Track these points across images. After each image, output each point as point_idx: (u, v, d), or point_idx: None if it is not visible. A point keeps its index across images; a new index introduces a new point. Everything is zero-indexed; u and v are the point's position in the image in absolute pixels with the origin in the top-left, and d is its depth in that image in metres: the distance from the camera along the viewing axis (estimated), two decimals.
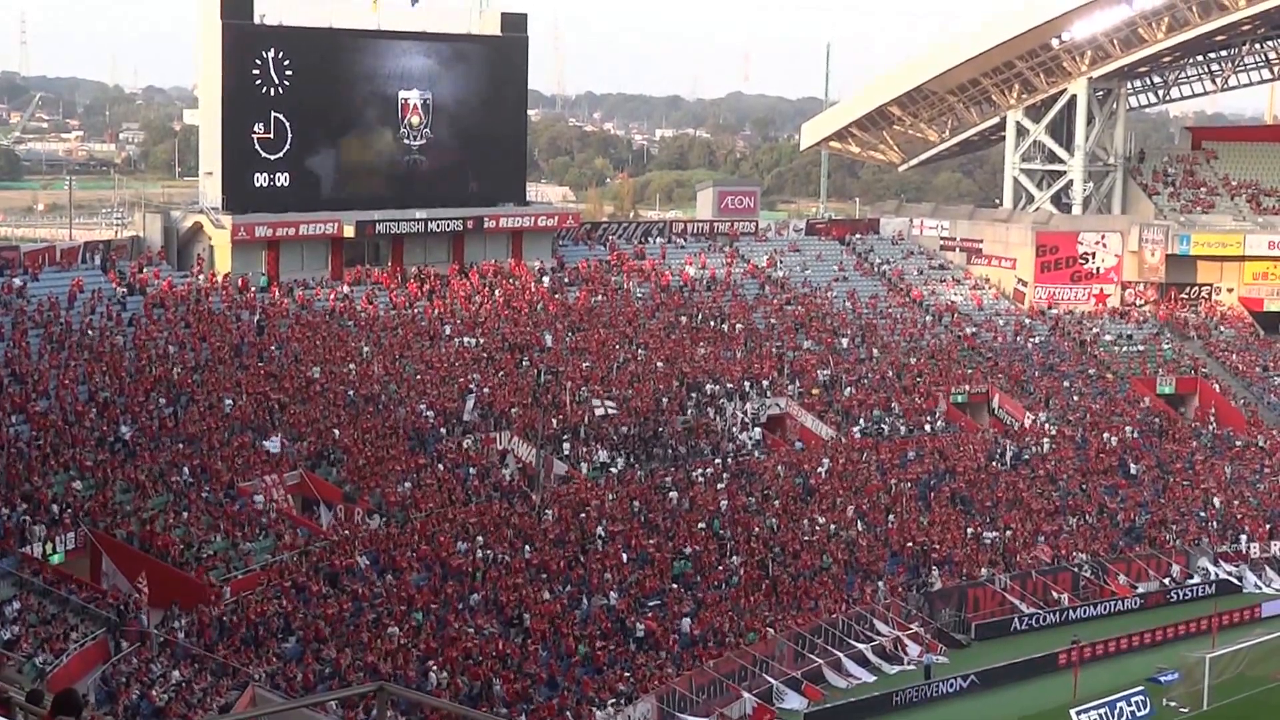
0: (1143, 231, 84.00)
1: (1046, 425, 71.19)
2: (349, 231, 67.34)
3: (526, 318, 68.57)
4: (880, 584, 56.00)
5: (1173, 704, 50.47)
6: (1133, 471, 68.52)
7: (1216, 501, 66.94)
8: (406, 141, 69.87)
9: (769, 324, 74.08)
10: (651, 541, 53.50)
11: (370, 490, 52.30)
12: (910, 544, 58.59)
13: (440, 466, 55.25)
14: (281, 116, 65.58)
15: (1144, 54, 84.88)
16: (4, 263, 59.07)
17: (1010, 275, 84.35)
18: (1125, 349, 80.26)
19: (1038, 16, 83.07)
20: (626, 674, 45.88)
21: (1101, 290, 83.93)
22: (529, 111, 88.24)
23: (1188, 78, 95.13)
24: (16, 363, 52.47)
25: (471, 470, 55.70)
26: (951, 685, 51.30)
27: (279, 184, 66.04)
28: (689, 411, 63.91)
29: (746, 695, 47.91)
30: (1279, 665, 53.27)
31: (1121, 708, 48.25)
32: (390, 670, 41.56)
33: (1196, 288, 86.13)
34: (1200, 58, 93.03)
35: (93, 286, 60.11)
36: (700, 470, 59.83)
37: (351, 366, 60.04)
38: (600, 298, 72.32)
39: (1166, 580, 62.17)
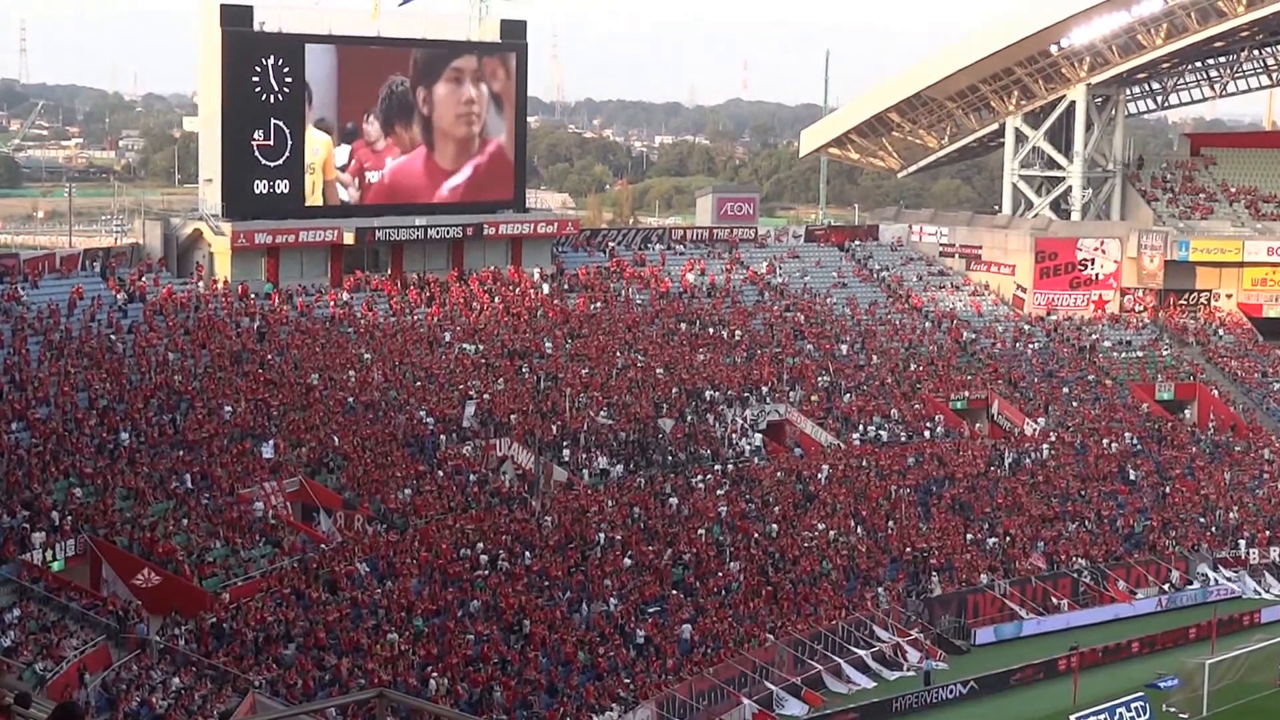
0: (1141, 237, 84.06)
1: (1046, 431, 71.22)
2: (349, 238, 67.42)
3: (526, 324, 68.63)
4: (880, 590, 55.99)
5: (1172, 710, 50.47)
6: (1132, 477, 68.53)
7: (1234, 513, 66.79)
8: (406, 147, 69.93)
9: (768, 330, 74.13)
10: (651, 548, 53.49)
11: (370, 497, 52.33)
12: (910, 550, 58.59)
13: (440, 473, 55.27)
14: (281, 123, 65.67)
15: (1143, 60, 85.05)
16: (4, 270, 59.12)
17: (1009, 281, 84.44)
18: (1124, 355, 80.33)
19: (1037, 23, 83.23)
20: (626, 680, 45.89)
21: (1100, 296, 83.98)
22: (528, 118, 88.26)
23: (1186, 84, 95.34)
24: (16, 370, 52.54)
25: (471, 477, 55.73)
26: (951, 691, 51.33)
27: (279, 191, 66.12)
28: (689, 418, 63.95)
29: (746, 701, 47.91)
30: (1278, 671, 53.26)
31: (1121, 713, 48.18)
32: (390, 677, 41.57)
33: (1195, 294, 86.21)
34: (1199, 64, 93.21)
35: (92, 294, 60.18)
36: (700, 476, 59.84)
37: (351, 373, 60.08)
38: (600, 304, 72.38)
39: (1166, 586, 62.16)
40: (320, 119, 67.20)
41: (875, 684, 51.92)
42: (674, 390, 65.52)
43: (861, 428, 67.69)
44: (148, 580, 43.57)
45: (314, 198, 67.52)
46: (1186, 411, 77.17)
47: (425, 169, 70.69)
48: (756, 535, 56.27)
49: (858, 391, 70.36)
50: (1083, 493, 66.16)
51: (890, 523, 59.97)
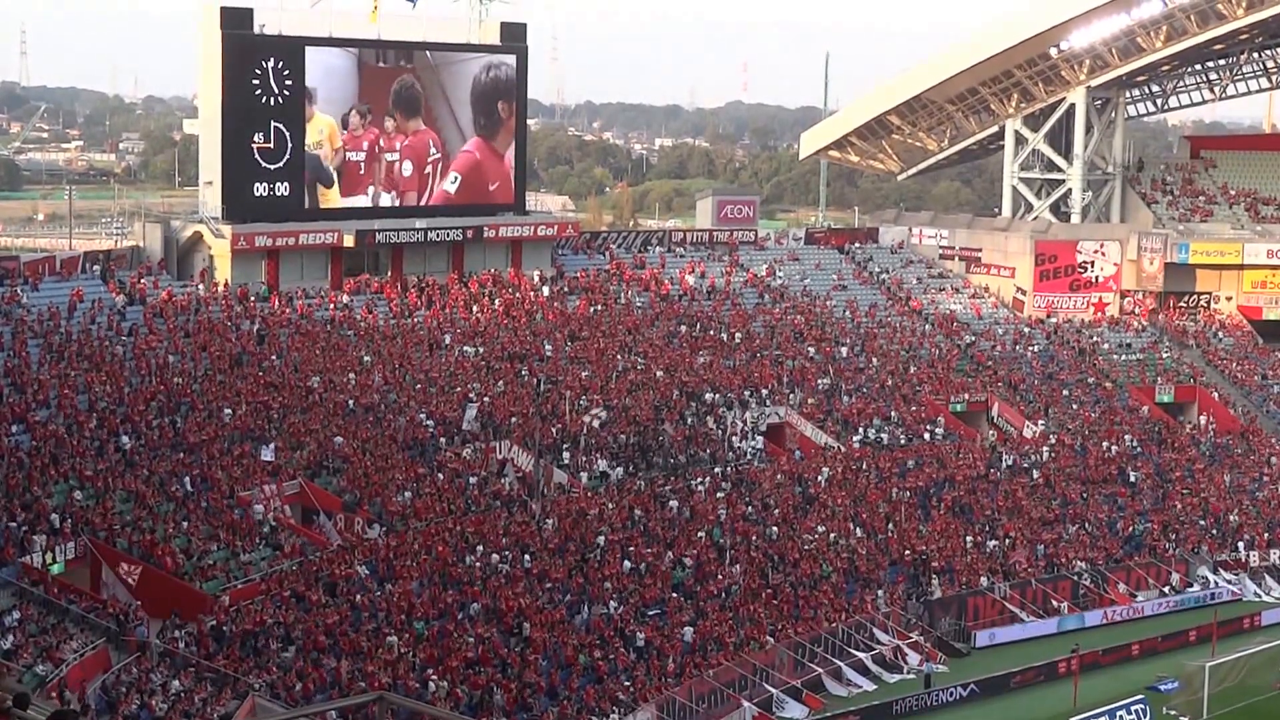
0: (1141, 240, 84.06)
1: (1046, 433, 71.18)
2: (349, 241, 67.43)
3: (526, 327, 68.62)
4: (880, 593, 56.00)
5: (1173, 712, 50.45)
6: (1132, 480, 68.51)
7: (1234, 516, 66.68)
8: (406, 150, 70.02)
9: (768, 333, 74.12)
10: (651, 550, 53.48)
11: (370, 500, 52.31)
12: (910, 552, 58.59)
13: (440, 476, 55.26)
14: (281, 126, 65.68)
15: (1142, 63, 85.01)
16: (4, 272, 59.14)
17: (1009, 284, 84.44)
18: (1124, 357, 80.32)
19: (1036, 25, 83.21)
20: (627, 683, 45.88)
21: (1100, 299, 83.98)
22: (528, 121, 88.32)
23: (1186, 86, 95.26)
24: (17, 372, 52.54)
25: (471, 479, 55.71)
26: (951, 694, 51.32)
27: (279, 193, 66.14)
28: (689, 421, 63.94)
29: (746, 704, 47.88)
30: (1278, 674, 53.25)
31: (1121, 716, 48.21)
32: (390, 679, 41.55)
33: (1195, 296, 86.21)
34: (1199, 66, 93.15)
35: (93, 296, 60.18)
36: (700, 479, 59.82)
37: (351, 376, 60.07)
38: (600, 307, 72.38)
39: (1166, 588, 62.15)
40: (318, 123, 67.25)
41: (875, 686, 51.92)
42: (674, 393, 65.50)
43: (861, 430, 67.67)
44: (130, 574, 43.59)
45: (319, 200, 67.52)
46: (1203, 418, 76.65)
47: (425, 171, 71.02)
48: (756, 538, 56.26)
49: (857, 394, 70.36)
50: (1083, 495, 66.14)
51: (890, 525, 59.98)
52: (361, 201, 69.07)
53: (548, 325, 69.25)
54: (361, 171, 69.01)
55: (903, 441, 67.68)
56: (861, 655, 52.89)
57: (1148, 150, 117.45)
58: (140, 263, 64.89)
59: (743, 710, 47.78)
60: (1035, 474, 67.04)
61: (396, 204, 69.99)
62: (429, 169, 70.86)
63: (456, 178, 71.86)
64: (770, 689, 49.18)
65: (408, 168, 70.14)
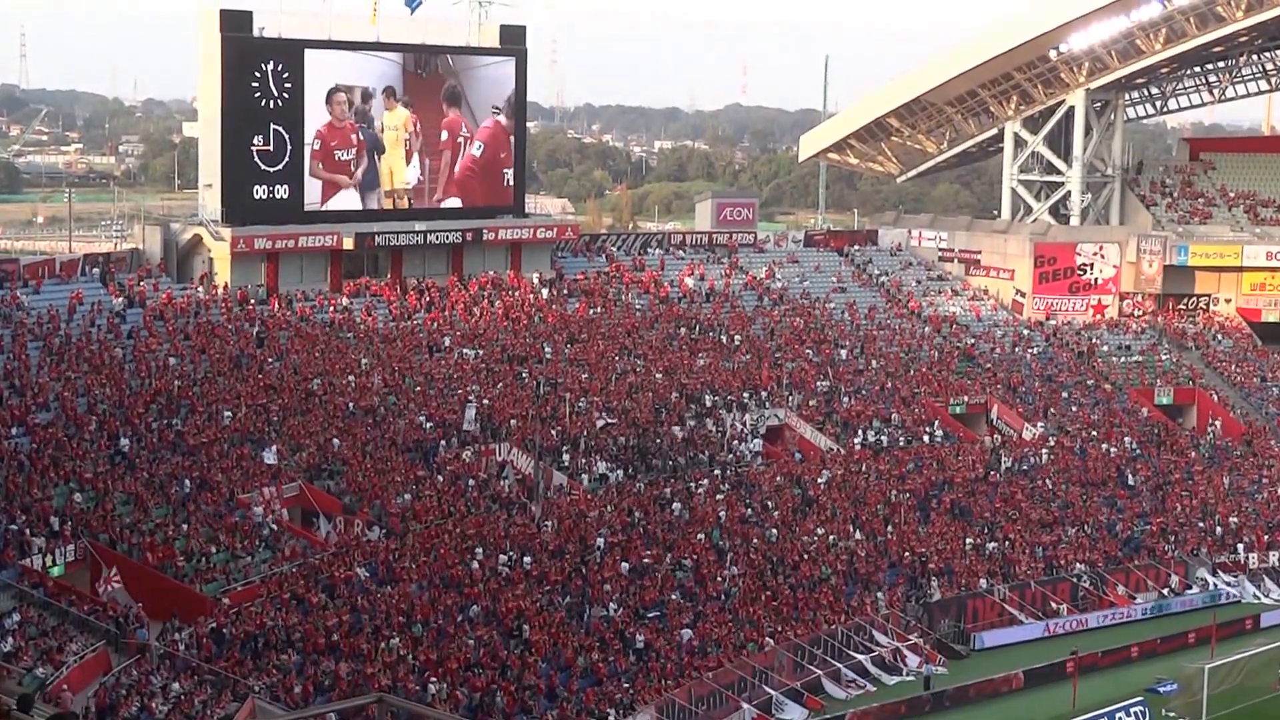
0: (1140, 242, 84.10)
1: (1045, 435, 71.19)
2: (348, 243, 67.47)
3: (525, 329, 68.66)
4: (879, 595, 56.01)
5: (1172, 714, 50.47)
6: (1131, 482, 68.52)
7: (1234, 518, 66.62)
8: (406, 151, 70.08)
9: (768, 335, 74.15)
10: (650, 552, 53.50)
11: (370, 502, 52.33)
12: (909, 554, 58.60)
13: (439, 478, 55.28)
14: (281, 129, 65.72)
15: (1142, 65, 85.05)
16: (4, 275, 59.19)
17: (1008, 286, 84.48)
18: (1123, 359, 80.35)
19: (1036, 28, 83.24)
20: (626, 685, 45.89)
21: (1099, 301, 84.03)
22: (528, 123, 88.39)
23: (1185, 89, 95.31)
24: (16, 375, 52.59)
25: (471, 481, 55.73)
26: (951, 696, 51.28)
27: (278, 196, 66.18)
28: (689, 423, 63.96)
29: (746, 706, 47.92)
30: (1278, 675, 53.28)
31: (1120, 718, 48.22)
32: (390, 682, 41.57)
33: (1194, 298, 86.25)
34: (1198, 69, 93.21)
35: (92, 299, 60.23)
36: (699, 481, 59.83)
37: (351, 378, 60.11)
38: (599, 309, 72.42)
39: (1165, 590, 62.16)
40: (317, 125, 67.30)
41: (875, 688, 51.91)
42: (673, 395, 65.52)
43: (861, 432, 67.69)
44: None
45: (319, 203, 67.64)
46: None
47: (425, 173, 71.16)
48: (756, 540, 56.27)
49: (857, 396, 70.38)
50: (1082, 497, 66.15)
51: (889, 527, 59.98)
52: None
53: (547, 327, 69.30)
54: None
55: (902, 443, 67.69)
56: (861, 657, 52.89)
57: (1147, 152, 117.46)
58: (140, 265, 64.94)
59: (742, 712, 47.80)
60: (1033, 474, 67.03)
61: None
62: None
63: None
64: (769, 691, 49.20)
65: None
